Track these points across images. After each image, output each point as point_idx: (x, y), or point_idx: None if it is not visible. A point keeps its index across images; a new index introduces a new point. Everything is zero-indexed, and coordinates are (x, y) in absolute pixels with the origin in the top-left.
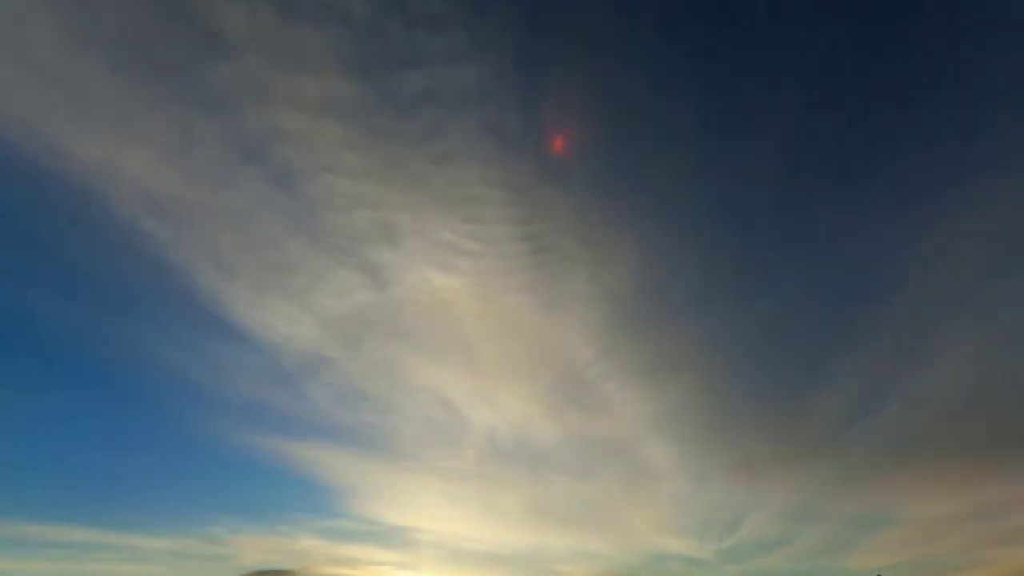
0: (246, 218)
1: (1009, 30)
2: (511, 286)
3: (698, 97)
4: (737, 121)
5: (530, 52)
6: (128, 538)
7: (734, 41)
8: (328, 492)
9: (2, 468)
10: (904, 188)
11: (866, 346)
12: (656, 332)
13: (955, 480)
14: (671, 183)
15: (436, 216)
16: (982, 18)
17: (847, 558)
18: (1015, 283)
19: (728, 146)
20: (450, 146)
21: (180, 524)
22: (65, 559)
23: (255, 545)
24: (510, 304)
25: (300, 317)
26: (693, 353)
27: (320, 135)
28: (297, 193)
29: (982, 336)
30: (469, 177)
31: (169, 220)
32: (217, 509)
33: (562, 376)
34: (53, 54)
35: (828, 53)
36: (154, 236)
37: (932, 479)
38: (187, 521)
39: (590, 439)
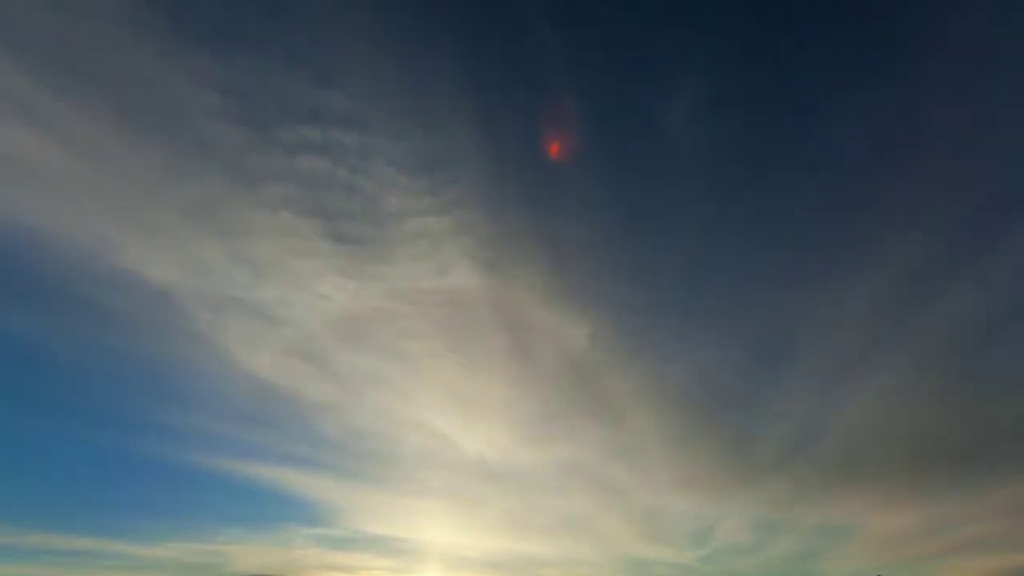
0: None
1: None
2: (492, 350)
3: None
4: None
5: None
6: (120, 546)
7: None
8: (322, 503)
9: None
10: (838, 231)
11: (805, 380)
12: (613, 374)
13: (905, 496)
14: (624, 248)
15: None
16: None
17: (819, 563)
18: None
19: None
20: None
21: (172, 532)
22: (60, 566)
23: (249, 552)
24: (488, 361)
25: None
26: (647, 390)
27: None
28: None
29: (908, 365)
30: None
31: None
32: (211, 517)
33: (536, 411)
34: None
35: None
36: None
37: (883, 495)
38: (180, 529)
39: (565, 462)
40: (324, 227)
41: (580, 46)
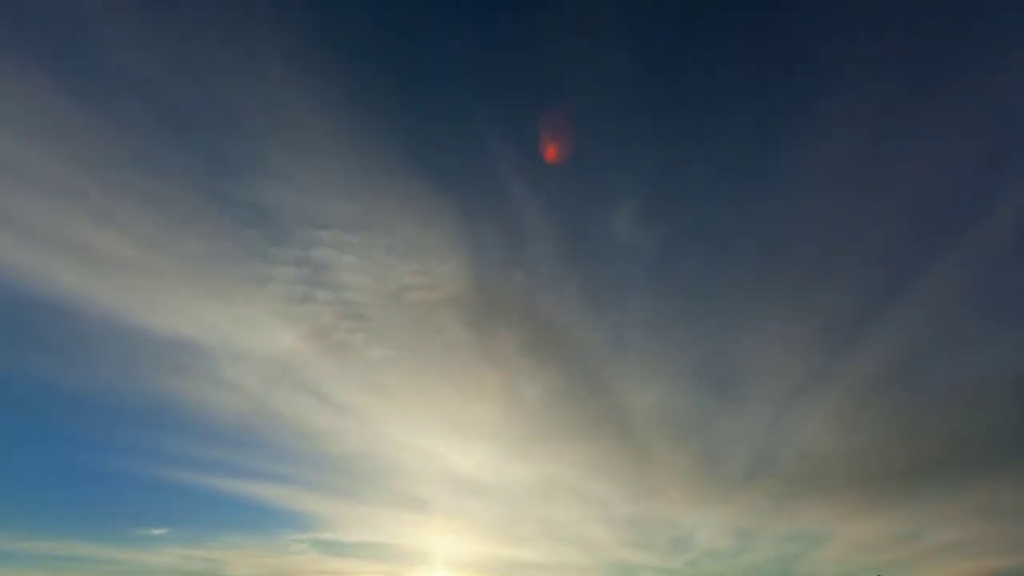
0: None
1: None
2: (480, 386)
3: None
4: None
5: None
6: (119, 552)
7: None
8: (319, 513)
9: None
10: (770, 287)
11: (755, 409)
12: (582, 404)
13: (870, 505)
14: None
15: None
16: None
17: (800, 566)
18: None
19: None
20: None
21: (169, 537)
22: (61, 570)
23: (245, 557)
24: (477, 394)
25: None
26: (613, 416)
27: None
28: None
29: (846, 396)
30: None
31: None
32: (208, 521)
33: (519, 434)
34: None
35: None
36: None
37: (849, 505)
38: (177, 534)
39: (547, 477)
40: (334, 296)
41: (540, 174)
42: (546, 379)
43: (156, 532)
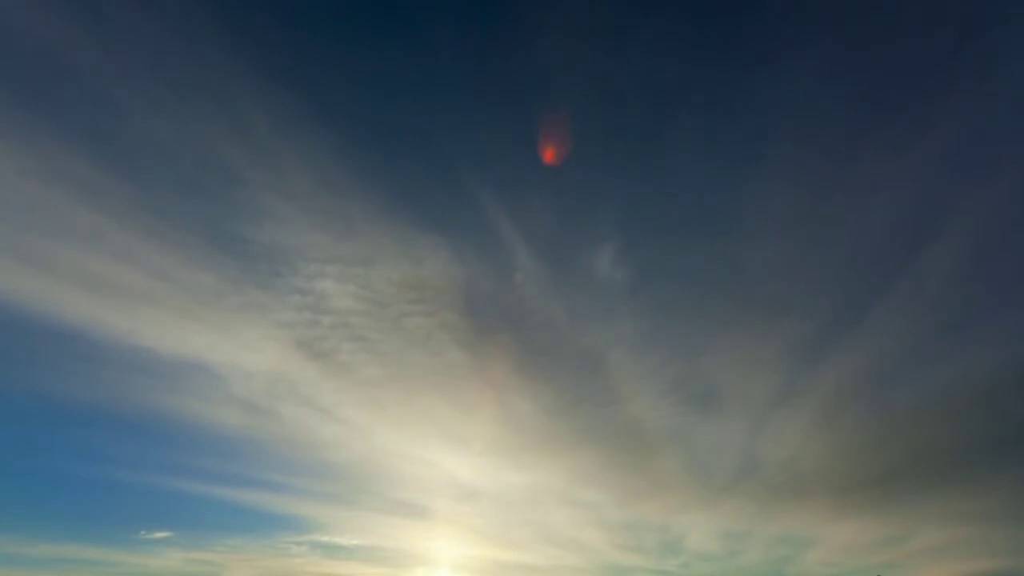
0: None
1: None
2: (475, 400)
3: None
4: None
5: None
6: (120, 555)
7: None
8: (318, 517)
9: (2, 483)
10: (740, 310)
11: (734, 423)
12: (569, 418)
13: (855, 509)
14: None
15: None
16: None
17: (790, 568)
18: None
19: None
20: None
21: (171, 540)
22: (62, 573)
23: (245, 560)
24: (473, 408)
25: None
26: (599, 429)
27: None
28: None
29: (820, 407)
30: None
31: None
32: (209, 525)
33: (511, 444)
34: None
35: None
36: None
37: (834, 509)
38: (179, 537)
39: (540, 484)
40: (337, 321)
41: (528, 221)
42: (536, 395)
43: (158, 536)
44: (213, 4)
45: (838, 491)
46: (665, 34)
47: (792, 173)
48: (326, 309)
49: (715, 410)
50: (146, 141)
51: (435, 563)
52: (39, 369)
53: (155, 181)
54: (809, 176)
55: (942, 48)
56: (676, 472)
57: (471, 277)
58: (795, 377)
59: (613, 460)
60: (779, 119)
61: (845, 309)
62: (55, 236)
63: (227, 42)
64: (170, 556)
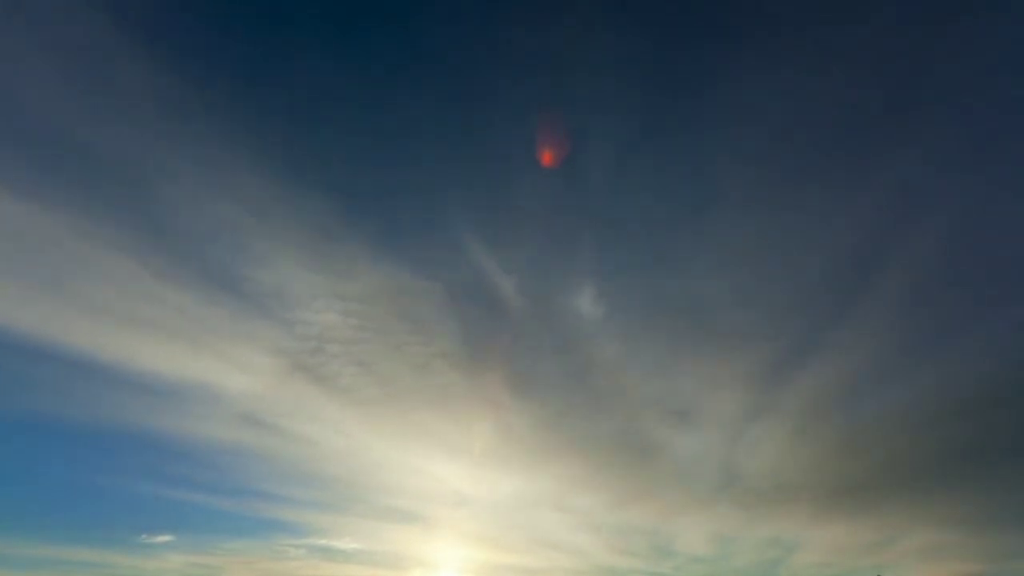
0: None
1: None
2: (471, 417)
3: None
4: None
5: None
6: (120, 557)
7: None
8: (315, 520)
9: (2, 485)
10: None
11: (710, 436)
12: (555, 431)
13: (839, 514)
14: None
15: None
16: None
17: (782, 570)
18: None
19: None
20: None
21: (172, 544)
22: (64, 574)
23: (245, 563)
24: (469, 424)
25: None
26: (582, 441)
27: None
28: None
29: (794, 421)
30: None
31: None
32: (210, 529)
33: (505, 455)
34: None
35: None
36: None
37: (818, 514)
38: (180, 541)
39: (533, 490)
40: (341, 350)
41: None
42: (526, 412)
43: (160, 540)
44: (213, 95)
45: (819, 498)
46: (623, 95)
47: (745, 209)
48: (330, 338)
49: (693, 424)
50: (164, 204)
51: (432, 566)
52: (47, 390)
53: (170, 232)
54: (763, 211)
55: (893, 84)
56: (662, 479)
57: (463, 312)
58: (763, 395)
59: (601, 468)
60: (730, 163)
61: (806, 333)
62: (84, 276)
63: (229, 121)
64: (171, 559)
